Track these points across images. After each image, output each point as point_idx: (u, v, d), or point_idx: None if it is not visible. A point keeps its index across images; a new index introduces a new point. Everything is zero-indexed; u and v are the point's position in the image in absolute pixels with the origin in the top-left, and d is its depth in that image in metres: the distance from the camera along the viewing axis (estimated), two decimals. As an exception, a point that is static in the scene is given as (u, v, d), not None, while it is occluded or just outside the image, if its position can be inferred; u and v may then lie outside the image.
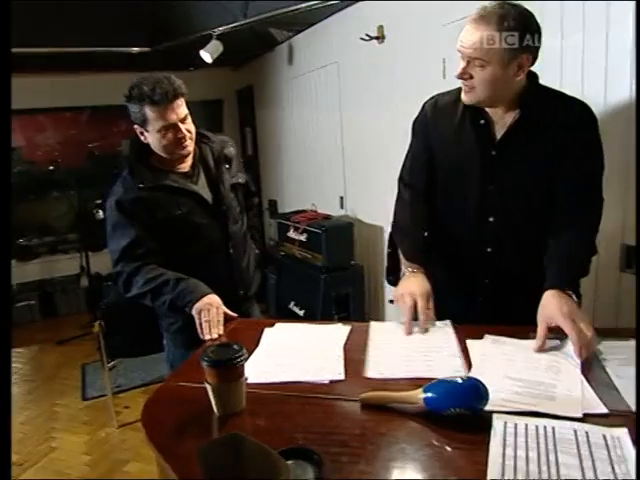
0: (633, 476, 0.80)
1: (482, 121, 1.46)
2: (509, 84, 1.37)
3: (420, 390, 1.02)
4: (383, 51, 3.08)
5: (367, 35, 3.04)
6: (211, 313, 1.52)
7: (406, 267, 1.56)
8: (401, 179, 1.72)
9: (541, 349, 1.25)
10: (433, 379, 1.05)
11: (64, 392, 3.64)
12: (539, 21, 1.35)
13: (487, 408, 1.00)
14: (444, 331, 1.37)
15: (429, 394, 1.00)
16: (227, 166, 1.88)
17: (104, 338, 3.06)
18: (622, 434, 0.90)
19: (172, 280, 1.61)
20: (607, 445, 0.88)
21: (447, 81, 2.57)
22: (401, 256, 1.63)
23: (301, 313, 3.51)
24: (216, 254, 1.82)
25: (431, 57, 2.68)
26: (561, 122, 1.40)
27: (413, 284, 1.47)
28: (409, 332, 1.39)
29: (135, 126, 1.70)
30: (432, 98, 1.64)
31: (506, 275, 1.51)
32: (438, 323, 1.41)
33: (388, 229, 3.33)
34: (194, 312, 1.54)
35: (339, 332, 1.44)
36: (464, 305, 1.55)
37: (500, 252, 1.51)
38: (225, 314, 1.56)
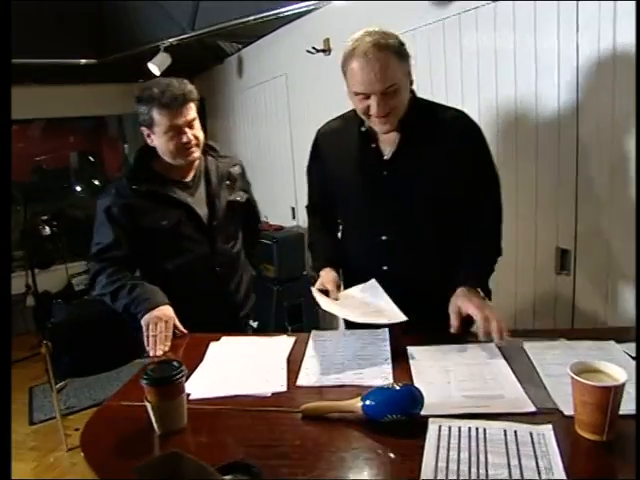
0: (555, 469, 0.85)
1: (373, 144, 1.53)
2: (407, 99, 1.46)
3: (359, 399, 1.04)
4: (330, 63, 3.12)
5: (313, 48, 3.08)
6: (159, 327, 1.50)
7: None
8: (307, 207, 1.83)
9: (458, 332, 1.36)
10: (362, 386, 1.09)
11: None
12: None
13: (440, 413, 1.03)
14: (380, 339, 1.40)
15: (367, 402, 1.03)
16: (228, 182, 1.86)
17: (52, 358, 2.96)
18: (547, 430, 0.95)
19: (129, 285, 1.61)
20: (533, 442, 0.93)
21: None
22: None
23: (255, 325, 3.48)
24: (201, 271, 1.78)
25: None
26: (445, 134, 1.48)
27: (322, 278, 1.58)
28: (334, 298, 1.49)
29: (142, 128, 1.70)
30: (323, 126, 1.72)
31: (405, 293, 1.47)
32: (376, 331, 1.44)
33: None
34: (142, 324, 1.52)
35: (284, 344, 1.45)
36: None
37: (395, 270, 1.56)
38: (176, 328, 1.55)
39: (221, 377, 1.28)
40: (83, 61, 4.20)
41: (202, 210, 1.77)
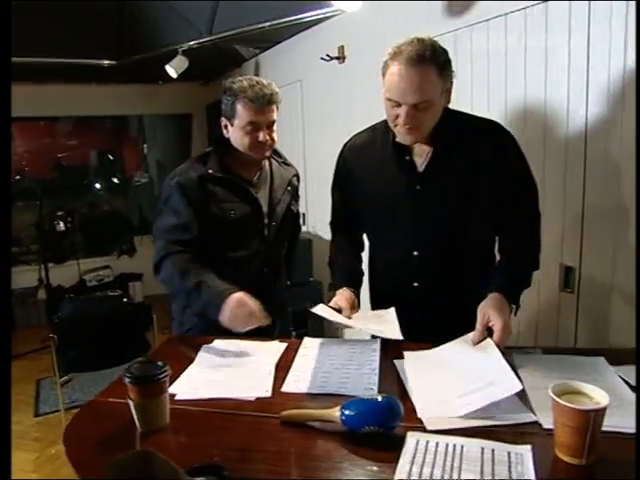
0: (528, 492, 0.83)
1: (407, 157, 1.48)
2: (439, 114, 1.41)
3: (337, 408, 1.04)
4: (344, 71, 3.14)
5: (328, 55, 3.09)
6: (241, 306, 1.48)
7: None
8: (330, 223, 1.81)
9: (478, 339, 1.29)
10: (345, 395, 1.08)
11: (17, 408, 3.54)
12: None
13: (440, 427, 1.03)
14: (371, 349, 1.39)
15: (346, 412, 1.02)
16: (289, 189, 1.91)
17: (58, 352, 3.00)
18: (525, 451, 0.93)
19: (201, 283, 1.57)
20: (510, 462, 0.91)
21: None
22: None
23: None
24: (251, 268, 1.78)
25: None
26: (478, 146, 1.43)
27: (337, 297, 1.54)
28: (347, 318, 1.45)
29: (222, 118, 1.72)
30: (349, 140, 1.68)
31: (436, 310, 1.49)
32: (369, 341, 1.44)
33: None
34: (223, 319, 1.49)
35: (274, 349, 1.45)
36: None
37: (426, 286, 1.52)
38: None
39: (207, 380, 1.29)
40: (106, 62, 4.30)
41: (265, 208, 1.81)
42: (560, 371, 1.21)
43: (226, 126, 1.72)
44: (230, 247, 1.75)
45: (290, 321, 3.29)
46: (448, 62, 1.35)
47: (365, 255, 1.76)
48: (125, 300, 3.27)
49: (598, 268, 1.83)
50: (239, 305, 1.47)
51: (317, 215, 3.73)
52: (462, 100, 2.27)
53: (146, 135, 6.23)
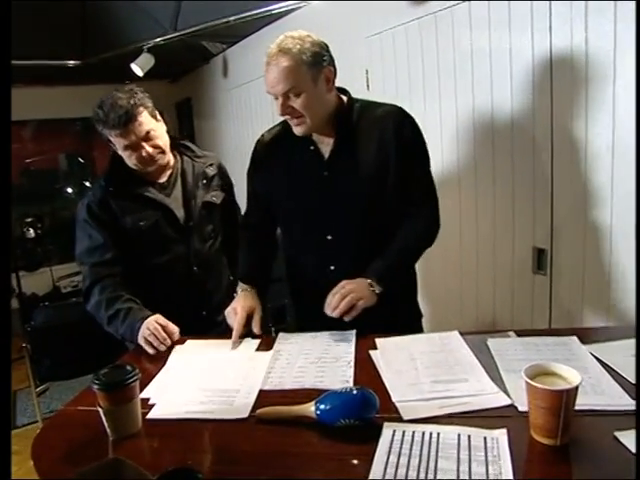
0: (504, 475, 0.83)
1: (312, 147, 1.54)
2: (324, 101, 1.47)
3: (312, 403, 1.02)
4: (312, 63, 3.11)
5: (295, 48, 3.06)
6: (152, 327, 1.48)
7: (240, 288, 1.63)
8: (240, 226, 1.82)
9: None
10: (322, 390, 1.07)
11: (-7, 421, 3.46)
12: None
13: (411, 398, 1.07)
14: (346, 341, 1.38)
15: (321, 407, 1.01)
16: (204, 182, 1.84)
17: (32, 362, 2.93)
18: (501, 435, 0.93)
19: (123, 311, 1.57)
20: (486, 447, 0.91)
21: (371, 92, 2.64)
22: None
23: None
24: (179, 270, 1.77)
25: (355, 69, 2.73)
26: (381, 131, 1.49)
27: (239, 301, 1.56)
28: (235, 344, 1.46)
29: (109, 143, 1.69)
30: (262, 135, 1.71)
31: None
32: (343, 333, 1.42)
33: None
34: (139, 340, 1.50)
35: (250, 348, 1.42)
36: (315, 323, 1.51)
37: (342, 269, 1.53)
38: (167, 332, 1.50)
39: (184, 393, 1.21)
40: (71, 62, 4.19)
41: (179, 210, 1.76)
42: (534, 353, 1.22)
43: (116, 149, 1.68)
44: (151, 255, 1.73)
45: (269, 317, 3.28)
46: (316, 52, 1.41)
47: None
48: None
49: (569, 249, 1.84)
50: (152, 328, 1.48)
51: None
52: (429, 86, 2.27)
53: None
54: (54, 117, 5.53)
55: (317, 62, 1.40)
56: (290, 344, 1.42)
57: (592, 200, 1.74)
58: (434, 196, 1.58)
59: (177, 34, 3.42)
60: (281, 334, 1.49)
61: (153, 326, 1.48)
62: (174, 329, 1.51)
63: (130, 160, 1.65)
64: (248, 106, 4.05)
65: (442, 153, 2.28)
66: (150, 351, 1.45)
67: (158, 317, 1.53)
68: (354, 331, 1.42)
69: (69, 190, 5.97)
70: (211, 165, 1.89)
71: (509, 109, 1.97)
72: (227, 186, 1.95)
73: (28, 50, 3.87)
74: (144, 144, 1.62)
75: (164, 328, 1.49)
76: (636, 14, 1.50)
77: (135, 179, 1.73)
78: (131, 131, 1.58)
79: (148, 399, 1.17)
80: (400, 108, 1.55)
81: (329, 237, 1.55)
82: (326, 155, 1.53)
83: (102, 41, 3.87)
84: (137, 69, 3.70)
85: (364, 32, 2.64)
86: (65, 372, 3.07)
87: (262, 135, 1.70)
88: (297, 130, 1.48)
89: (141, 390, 1.13)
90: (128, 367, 1.08)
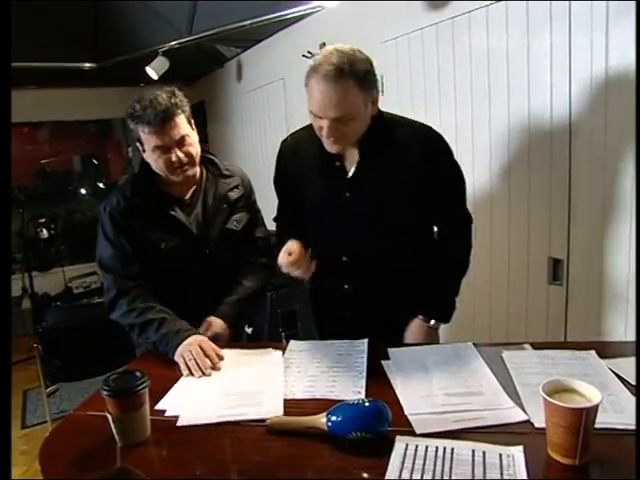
0: (520, 495, 0.81)
1: (337, 162, 1.48)
2: (367, 122, 1.40)
3: (324, 414, 1.00)
4: (326, 68, 3.11)
5: (309, 52, 3.05)
6: (194, 351, 1.38)
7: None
8: (274, 219, 1.78)
9: None
10: (333, 400, 1.05)
11: (3, 420, 3.47)
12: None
13: (423, 411, 1.05)
14: (358, 350, 1.36)
15: (332, 418, 0.99)
16: (225, 206, 1.69)
17: (43, 362, 2.94)
18: (517, 452, 0.91)
19: (157, 320, 1.51)
20: (501, 464, 0.88)
21: (385, 97, 2.62)
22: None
23: (249, 331, 3.46)
24: (192, 293, 1.65)
25: (370, 74, 2.71)
26: (409, 152, 1.42)
27: (290, 245, 1.48)
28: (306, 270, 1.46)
29: (137, 143, 1.59)
30: (287, 138, 1.67)
31: (365, 312, 1.53)
32: (355, 342, 1.40)
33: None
34: (176, 359, 1.41)
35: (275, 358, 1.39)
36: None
37: (357, 289, 1.53)
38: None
39: (209, 399, 1.20)
40: (86, 65, 4.22)
41: (198, 233, 1.65)
42: (551, 367, 1.19)
43: (144, 151, 1.57)
44: (165, 276, 1.63)
45: (280, 322, 3.27)
46: (369, 72, 1.33)
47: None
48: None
49: (586, 260, 1.81)
50: (195, 353, 1.38)
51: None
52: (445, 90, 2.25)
53: (130, 138, 6.16)
54: (69, 119, 5.59)
55: (369, 84, 1.33)
56: (301, 352, 1.41)
57: (610, 210, 1.71)
58: (468, 218, 1.54)
59: (192, 38, 3.43)
60: (292, 342, 1.47)
61: (196, 351, 1.38)
62: (216, 358, 1.39)
63: (157, 163, 1.54)
64: (262, 110, 4.05)
65: (458, 156, 2.25)
66: (185, 373, 1.36)
67: (202, 341, 1.43)
68: (366, 340, 1.40)
69: (83, 191, 6.02)
70: (236, 187, 1.74)
71: (526, 116, 1.94)
72: (252, 210, 1.81)
73: (43, 52, 3.91)
74: (176, 148, 1.52)
75: (206, 353, 1.38)
76: (636, 14, 1.48)
77: (161, 193, 1.62)
78: (166, 131, 1.49)
79: (176, 417, 1.13)
80: (430, 128, 1.48)
81: (344, 258, 1.52)
82: (350, 172, 1.46)
83: (117, 44, 3.90)
84: (152, 72, 3.72)
85: (379, 37, 2.63)
86: (76, 373, 3.07)
87: (287, 138, 1.66)
88: (332, 148, 1.40)
89: (153, 397, 1.12)
90: (137, 373, 1.07)
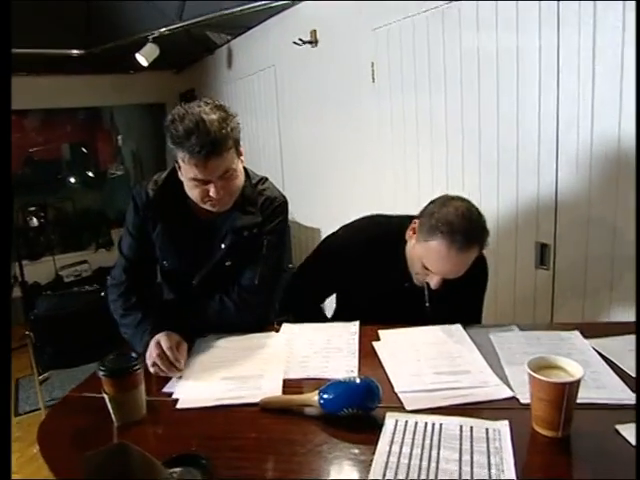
0: (505, 465, 0.84)
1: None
2: None
3: (316, 392, 1.03)
4: (316, 55, 3.10)
5: (300, 39, 3.05)
6: (164, 343, 1.28)
7: None
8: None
9: None
10: (326, 379, 1.08)
11: (-4, 408, 3.48)
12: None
13: (413, 389, 1.09)
14: (351, 332, 1.39)
15: (324, 396, 1.02)
16: (225, 243, 1.45)
17: (35, 350, 2.95)
18: (503, 426, 0.94)
19: (137, 315, 1.41)
20: (488, 438, 0.91)
21: (376, 84, 2.63)
22: None
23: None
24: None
25: (361, 61, 2.72)
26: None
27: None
28: None
29: (175, 160, 1.37)
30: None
31: None
32: (347, 324, 1.43)
33: (325, 232, 3.37)
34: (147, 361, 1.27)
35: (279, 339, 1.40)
36: None
37: None
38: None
39: (207, 383, 1.21)
40: (75, 52, 4.18)
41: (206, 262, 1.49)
42: (536, 346, 1.23)
43: (180, 168, 1.34)
44: (163, 290, 1.60)
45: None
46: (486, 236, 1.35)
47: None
48: (103, 294, 3.21)
49: (572, 245, 1.85)
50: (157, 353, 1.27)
51: (294, 200, 3.69)
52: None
53: (120, 126, 6.11)
54: (57, 107, 5.53)
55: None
56: (294, 334, 1.43)
57: (596, 195, 1.74)
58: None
59: (182, 24, 3.41)
60: (285, 325, 1.50)
61: (158, 350, 1.26)
62: (180, 356, 1.27)
63: (191, 192, 1.34)
64: (252, 98, 4.04)
65: (447, 145, 2.28)
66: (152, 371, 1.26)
67: (167, 338, 1.29)
68: (357, 322, 1.43)
69: (72, 180, 5.98)
70: (251, 226, 1.44)
71: (515, 103, 1.96)
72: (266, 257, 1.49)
73: (31, 38, 3.86)
74: (216, 181, 1.29)
75: (172, 351, 1.26)
76: (636, 14, 1.50)
77: (185, 209, 1.44)
78: (210, 167, 1.25)
79: (176, 400, 1.15)
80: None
81: None
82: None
83: (106, 30, 3.86)
84: (142, 59, 3.70)
85: (371, 24, 2.63)
86: (67, 360, 3.08)
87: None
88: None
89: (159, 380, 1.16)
90: (133, 354, 1.09)
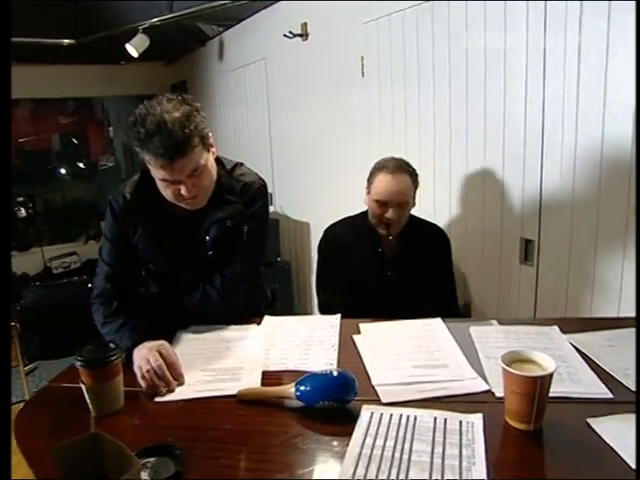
0: (477, 457, 0.85)
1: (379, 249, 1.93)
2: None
3: (292, 384, 1.04)
4: (307, 48, 3.09)
5: (291, 32, 3.04)
6: (152, 359, 1.17)
7: None
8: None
9: None
10: (305, 371, 1.08)
11: (-18, 399, 3.46)
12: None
13: (391, 382, 1.10)
14: (331, 325, 1.40)
15: (300, 388, 1.02)
16: (207, 237, 1.44)
17: (21, 340, 2.94)
18: (476, 419, 0.95)
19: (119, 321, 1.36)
20: (461, 430, 0.92)
21: (365, 78, 2.63)
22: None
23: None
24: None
25: (351, 55, 2.72)
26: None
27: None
28: None
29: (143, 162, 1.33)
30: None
31: None
32: (328, 317, 1.44)
33: (314, 225, 3.37)
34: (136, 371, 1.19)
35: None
36: None
37: None
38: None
39: (187, 375, 1.20)
40: (65, 41, 4.13)
41: (191, 259, 1.47)
42: (514, 341, 1.24)
43: (150, 168, 1.31)
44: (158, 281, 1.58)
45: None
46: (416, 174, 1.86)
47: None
48: (90, 285, 3.20)
49: (556, 241, 1.86)
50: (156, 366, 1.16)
51: (284, 194, 3.70)
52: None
53: (111, 117, 6.06)
54: (47, 96, 5.47)
55: (416, 183, 1.91)
56: (276, 327, 1.43)
57: (580, 193, 1.75)
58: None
59: (173, 15, 3.38)
60: (267, 317, 1.50)
61: (157, 364, 1.16)
62: (178, 371, 1.19)
63: (164, 192, 1.33)
64: (243, 90, 4.02)
65: (434, 139, 2.28)
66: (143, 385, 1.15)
67: (160, 347, 1.21)
68: (339, 315, 1.44)
69: (62, 171, 5.93)
70: (232, 216, 1.44)
71: (502, 97, 1.96)
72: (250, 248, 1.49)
73: (21, 28, 3.81)
74: (186, 180, 1.27)
75: (169, 366, 1.17)
76: (636, 14, 1.50)
77: (162, 208, 1.42)
78: (176, 167, 1.23)
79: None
80: (440, 229, 2.01)
81: None
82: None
83: (97, 20, 3.82)
84: (132, 50, 3.67)
85: (361, 17, 2.62)
86: (54, 351, 3.08)
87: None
88: (387, 232, 1.86)
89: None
90: (111, 345, 1.09)
